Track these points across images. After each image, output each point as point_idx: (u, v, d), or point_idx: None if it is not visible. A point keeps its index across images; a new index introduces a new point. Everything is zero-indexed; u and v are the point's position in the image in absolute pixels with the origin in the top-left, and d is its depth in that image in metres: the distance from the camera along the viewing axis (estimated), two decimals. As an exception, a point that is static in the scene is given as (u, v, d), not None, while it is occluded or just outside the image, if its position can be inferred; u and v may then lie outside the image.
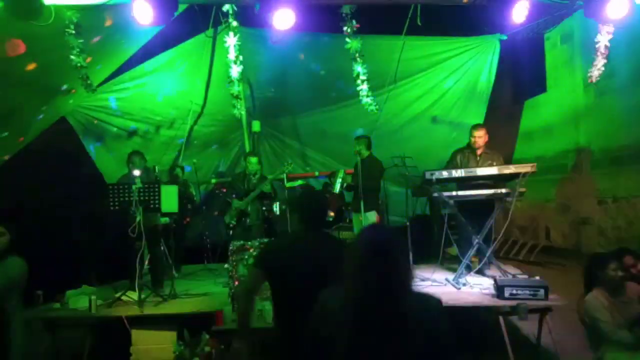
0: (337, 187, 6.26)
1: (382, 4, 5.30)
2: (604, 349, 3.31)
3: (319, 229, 2.71)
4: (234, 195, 6.41)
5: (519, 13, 4.38)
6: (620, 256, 3.60)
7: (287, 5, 4.24)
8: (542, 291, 4.36)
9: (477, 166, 5.52)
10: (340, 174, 6.27)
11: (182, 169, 7.34)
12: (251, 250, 4.65)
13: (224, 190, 6.63)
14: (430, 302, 1.88)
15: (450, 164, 5.84)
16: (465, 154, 5.83)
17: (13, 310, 3.76)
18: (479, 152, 5.74)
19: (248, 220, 6.34)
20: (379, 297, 1.70)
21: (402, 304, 1.72)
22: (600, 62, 5.57)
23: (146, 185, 5.04)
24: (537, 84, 9.67)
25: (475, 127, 5.83)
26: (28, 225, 4.48)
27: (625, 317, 3.28)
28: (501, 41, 7.24)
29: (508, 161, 6.79)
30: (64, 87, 5.87)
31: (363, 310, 1.71)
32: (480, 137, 5.70)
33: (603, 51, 5.51)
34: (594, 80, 5.78)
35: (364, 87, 5.55)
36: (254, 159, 6.45)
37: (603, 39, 5.48)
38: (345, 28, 5.01)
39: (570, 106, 8.87)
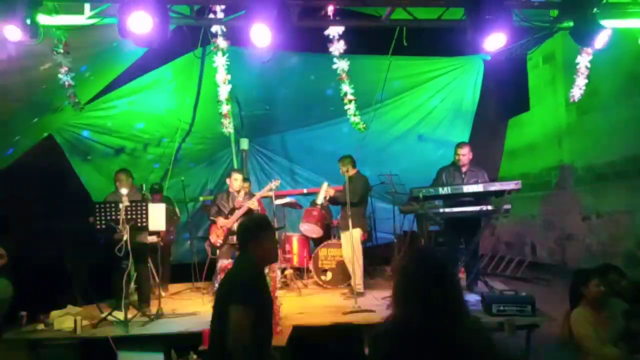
0: (321, 199, 6.27)
1: (367, 26, 5.40)
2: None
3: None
4: (215, 212, 6.35)
5: (492, 44, 4.53)
6: (604, 272, 3.66)
7: (264, 22, 4.27)
8: (529, 307, 4.40)
9: (463, 183, 5.60)
10: (324, 187, 6.29)
11: (156, 188, 7.16)
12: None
13: (209, 209, 6.59)
14: (480, 322, 1.87)
15: (436, 182, 5.91)
16: (451, 171, 5.92)
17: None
18: (464, 169, 5.84)
19: (234, 239, 6.30)
20: (441, 319, 1.66)
21: (461, 325, 1.69)
22: (581, 82, 5.74)
23: (133, 204, 5.02)
24: (521, 102, 9.87)
25: (460, 145, 5.94)
26: (13, 243, 4.42)
27: (610, 332, 3.32)
28: (485, 61, 7.41)
29: (493, 179, 6.89)
30: (53, 104, 5.86)
31: (425, 334, 1.66)
32: (465, 155, 5.81)
33: (584, 71, 5.68)
34: (575, 100, 5.94)
35: (351, 107, 5.63)
36: (239, 176, 6.44)
37: (583, 60, 5.65)
38: (332, 49, 5.09)
39: (553, 124, 9.06)
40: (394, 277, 1.88)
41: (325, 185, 6.30)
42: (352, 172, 6.06)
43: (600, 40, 4.71)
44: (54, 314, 5.06)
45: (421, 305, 1.68)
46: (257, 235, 2.74)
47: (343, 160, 6.14)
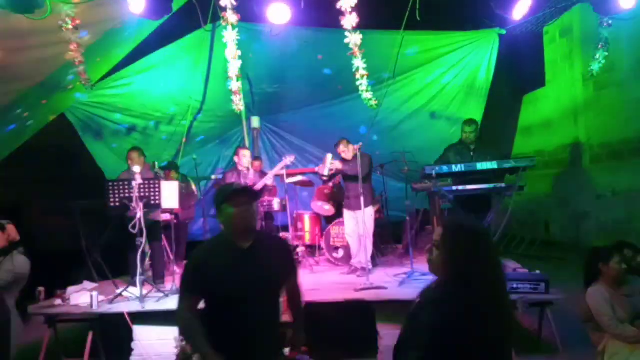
0: (326, 170, 6.17)
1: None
2: (605, 342, 3.33)
3: None
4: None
5: (520, 10, 4.40)
6: (619, 249, 3.61)
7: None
8: (542, 285, 4.37)
9: (472, 161, 5.52)
10: (329, 159, 6.16)
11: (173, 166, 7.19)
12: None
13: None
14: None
15: (442, 160, 5.82)
16: (459, 149, 5.83)
17: (14, 306, 3.79)
18: (472, 147, 5.76)
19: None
20: (504, 280, 1.84)
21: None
22: (601, 55, 5.58)
23: (147, 182, 5.04)
24: (536, 78, 9.68)
25: (467, 122, 5.83)
26: (29, 221, 4.47)
27: (626, 310, 3.29)
28: (500, 36, 7.22)
29: (507, 156, 6.79)
30: (63, 83, 5.84)
31: (499, 300, 1.78)
32: (472, 133, 5.72)
33: (604, 43, 5.51)
34: (594, 74, 5.79)
35: (363, 82, 5.54)
36: (247, 152, 6.38)
37: (604, 32, 5.48)
38: (344, 22, 4.99)
39: (570, 100, 8.88)
40: (441, 245, 1.84)
41: (329, 156, 6.18)
42: (352, 150, 5.96)
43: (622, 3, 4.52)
44: (71, 289, 5.14)
45: (493, 269, 1.80)
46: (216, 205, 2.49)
47: (344, 142, 6.06)
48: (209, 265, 2.41)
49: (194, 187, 7.42)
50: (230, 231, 2.44)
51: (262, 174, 6.42)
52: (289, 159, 6.27)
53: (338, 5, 4.88)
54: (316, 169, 6.37)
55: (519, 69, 9.61)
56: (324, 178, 6.56)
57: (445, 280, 1.83)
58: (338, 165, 6.06)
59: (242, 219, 2.39)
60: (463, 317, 1.68)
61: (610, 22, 5.32)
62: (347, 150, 6.02)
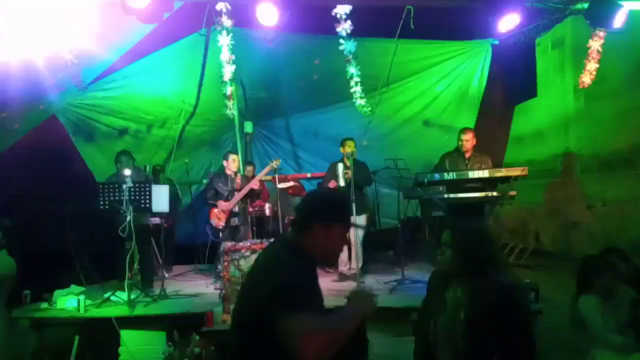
0: (343, 181, 6.05)
1: (375, 5, 5.32)
2: (595, 352, 3.33)
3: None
4: (212, 196, 6.29)
5: (506, 24, 4.45)
6: (608, 256, 3.63)
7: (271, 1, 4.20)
8: (532, 294, 4.39)
9: (466, 169, 5.56)
10: (340, 169, 6.05)
11: (157, 169, 7.18)
12: (243, 251, 4.63)
13: (205, 192, 6.56)
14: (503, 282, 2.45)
15: (438, 168, 5.86)
16: (454, 157, 5.87)
17: (2, 308, 3.73)
18: (467, 155, 5.79)
19: (236, 221, 6.29)
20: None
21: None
22: (592, 67, 5.64)
23: (137, 185, 5.00)
24: (528, 88, 9.74)
25: (463, 130, 5.88)
26: (16, 222, 4.41)
27: (617, 320, 3.30)
28: (493, 46, 7.29)
29: (499, 165, 6.83)
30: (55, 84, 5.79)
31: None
32: (468, 141, 5.76)
33: (595, 56, 5.57)
34: (585, 85, 5.84)
35: (357, 89, 5.56)
36: (237, 157, 6.38)
37: (595, 44, 5.54)
38: (339, 29, 5.01)
39: (561, 111, 8.95)
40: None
41: (341, 166, 6.12)
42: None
43: (619, 19, 4.59)
44: (57, 293, 5.08)
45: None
46: (326, 218, 1.94)
47: (349, 142, 6.06)
48: (313, 290, 1.97)
49: (179, 192, 7.41)
50: (325, 252, 2.00)
51: (252, 179, 6.41)
52: (275, 163, 6.28)
53: (333, 12, 4.90)
54: (329, 185, 6.19)
55: (511, 79, 9.68)
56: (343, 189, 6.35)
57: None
58: (349, 174, 5.96)
59: (346, 241, 2.12)
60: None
61: (601, 34, 5.38)
62: (354, 152, 6.00)
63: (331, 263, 2.22)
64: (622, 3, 4.59)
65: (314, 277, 1.99)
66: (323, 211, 1.94)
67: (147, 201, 5.04)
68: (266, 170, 6.35)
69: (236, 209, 6.27)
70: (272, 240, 4.29)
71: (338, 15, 4.91)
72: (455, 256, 2.28)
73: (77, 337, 4.58)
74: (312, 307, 1.75)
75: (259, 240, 4.97)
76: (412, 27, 5.15)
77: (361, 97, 5.66)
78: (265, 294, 1.75)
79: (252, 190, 6.20)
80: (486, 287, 2.18)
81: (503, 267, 2.29)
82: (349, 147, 6.06)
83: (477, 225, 2.46)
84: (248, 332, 1.84)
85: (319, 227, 1.91)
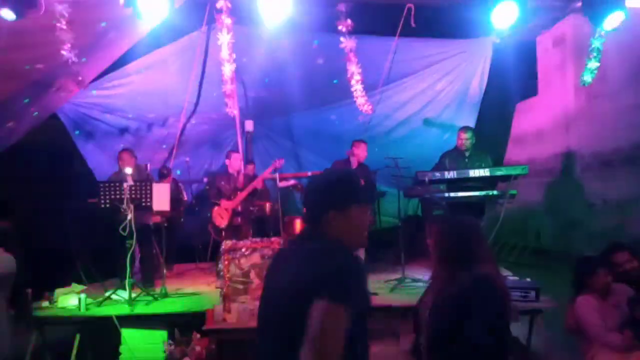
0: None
1: (376, 3, 5.31)
2: (594, 352, 3.33)
3: None
4: (215, 194, 6.30)
5: (500, 18, 4.45)
6: (611, 253, 3.61)
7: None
8: (532, 293, 4.39)
9: (466, 168, 5.55)
10: None
11: (164, 173, 7.21)
12: (243, 250, 4.62)
13: (208, 191, 6.58)
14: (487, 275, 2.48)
15: (439, 166, 5.85)
16: (454, 156, 5.86)
17: (5, 306, 3.73)
18: (467, 153, 5.78)
19: (239, 219, 6.30)
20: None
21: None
22: (593, 65, 5.63)
23: (138, 183, 5.00)
24: (529, 87, 9.74)
25: (463, 129, 5.88)
26: (18, 221, 4.42)
27: (615, 319, 3.30)
28: (493, 44, 7.27)
29: (499, 163, 6.82)
30: (55, 82, 5.79)
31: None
32: (468, 139, 5.75)
33: (596, 54, 5.56)
34: (586, 84, 5.83)
35: (358, 87, 5.56)
36: (238, 155, 6.40)
37: (596, 42, 5.54)
38: (340, 27, 5.01)
39: (561, 109, 8.94)
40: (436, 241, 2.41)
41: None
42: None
43: (611, 21, 4.59)
44: (59, 291, 5.09)
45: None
46: (338, 203, 1.77)
47: (362, 144, 6.05)
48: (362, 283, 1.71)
49: (184, 192, 7.43)
50: (351, 236, 1.80)
51: (254, 177, 6.41)
52: (278, 163, 6.29)
53: (334, 10, 4.90)
54: None
55: (512, 78, 9.66)
56: None
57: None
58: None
59: (368, 220, 1.89)
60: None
61: (603, 32, 5.37)
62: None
63: (363, 244, 1.75)
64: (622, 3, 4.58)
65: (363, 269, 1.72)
66: (332, 197, 1.77)
67: (148, 200, 5.03)
68: (269, 169, 6.37)
69: (239, 208, 6.28)
70: (270, 239, 4.29)
71: (339, 11, 4.91)
72: (435, 247, 2.39)
73: (78, 336, 4.57)
74: (356, 303, 1.55)
75: (259, 239, 4.97)
76: (413, 24, 5.15)
77: (362, 96, 5.65)
78: (311, 280, 1.55)
79: (254, 189, 6.21)
80: (454, 277, 2.24)
81: (487, 262, 2.27)
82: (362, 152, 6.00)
83: (461, 220, 2.47)
84: (288, 334, 1.55)
85: (334, 215, 1.74)
